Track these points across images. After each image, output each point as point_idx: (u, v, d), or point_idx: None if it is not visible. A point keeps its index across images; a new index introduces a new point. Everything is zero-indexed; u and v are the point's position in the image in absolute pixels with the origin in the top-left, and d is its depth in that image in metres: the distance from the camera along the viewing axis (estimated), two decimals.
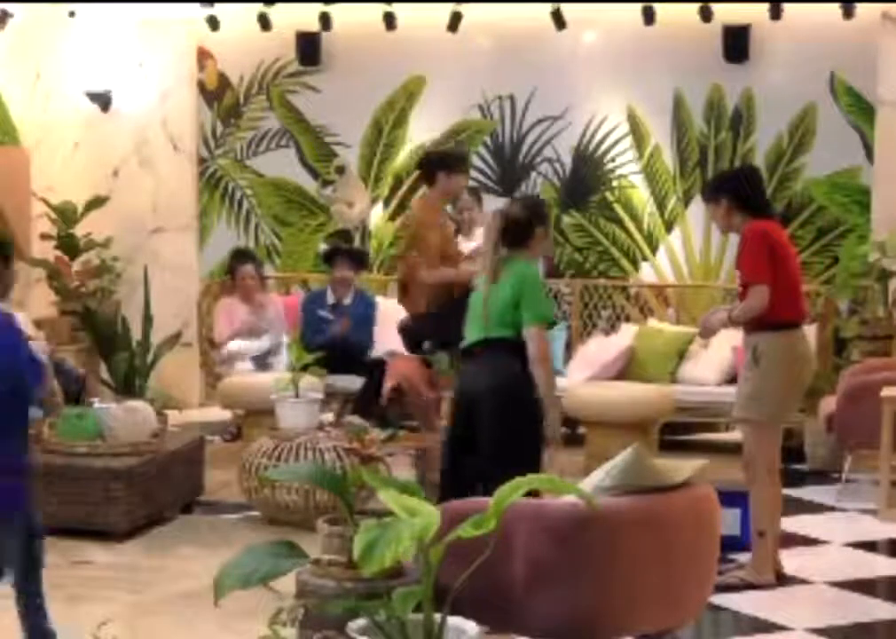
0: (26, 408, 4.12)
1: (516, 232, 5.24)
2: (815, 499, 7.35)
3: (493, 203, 9.96)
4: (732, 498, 5.59)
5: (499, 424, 5.08)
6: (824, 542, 6.12)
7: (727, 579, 5.41)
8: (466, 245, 7.83)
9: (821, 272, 9.35)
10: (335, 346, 8.47)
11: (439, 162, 7.05)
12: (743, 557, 5.67)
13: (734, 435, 7.96)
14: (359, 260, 9.18)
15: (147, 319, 9.06)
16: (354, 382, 8.46)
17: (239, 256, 9.39)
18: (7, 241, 4.62)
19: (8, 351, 4.04)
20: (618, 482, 3.86)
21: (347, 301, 8.96)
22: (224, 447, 8.47)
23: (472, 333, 5.27)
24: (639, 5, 9.27)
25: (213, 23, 9.90)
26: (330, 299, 8.98)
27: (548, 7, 9.37)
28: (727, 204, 5.61)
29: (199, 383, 9.99)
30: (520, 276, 5.18)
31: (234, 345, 8.91)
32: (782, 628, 5.00)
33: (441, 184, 7.00)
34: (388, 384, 7.64)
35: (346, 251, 9.18)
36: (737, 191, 5.64)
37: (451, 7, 9.54)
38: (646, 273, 9.90)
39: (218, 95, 10.37)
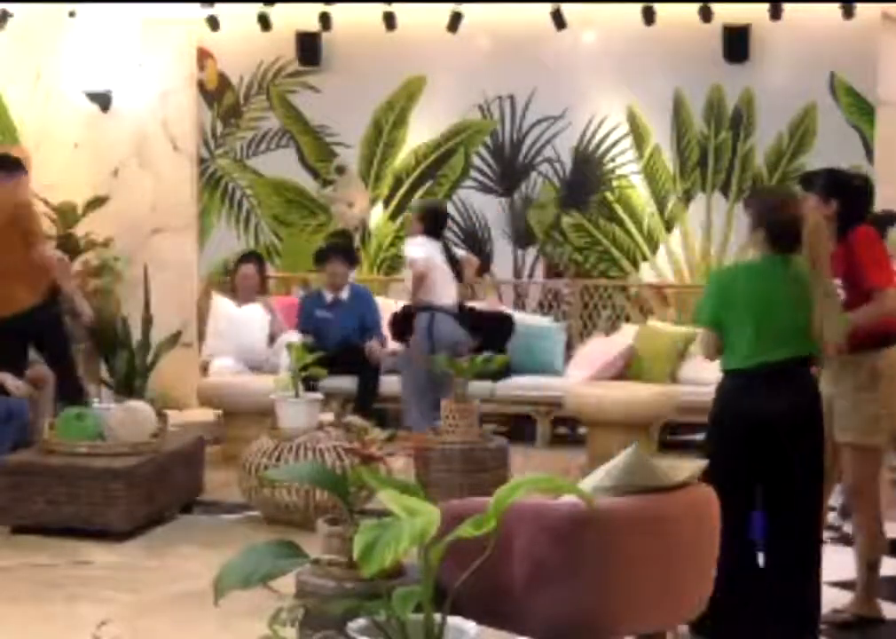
0: None
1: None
2: None
3: (493, 203, 10.05)
4: None
5: None
6: (824, 542, 6.10)
7: (842, 618, 5.10)
8: None
9: None
10: (339, 349, 8.49)
11: None
12: None
13: None
14: (350, 255, 9.18)
15: (147, 319, 9.06)
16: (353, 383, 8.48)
17: (243, 257, 9.43)
18: None
19: None
20: (618, 482, 3.85)
21: (344, 295, 8.96)
22: (224, 447, 8.45)
23: None
24: (639, 5, 9.27)
25: (213, 23, 9.90)
26: (328, 297, 8.99)
27: (548, 7, 9.38)
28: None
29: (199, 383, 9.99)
30: None
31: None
32: None
33: None
34: None
35: (337, 249, 9.16)
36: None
37: (451, 7, 9.54)
38: (646, 273, 9.90)
39: (218, 95, 10.37)
